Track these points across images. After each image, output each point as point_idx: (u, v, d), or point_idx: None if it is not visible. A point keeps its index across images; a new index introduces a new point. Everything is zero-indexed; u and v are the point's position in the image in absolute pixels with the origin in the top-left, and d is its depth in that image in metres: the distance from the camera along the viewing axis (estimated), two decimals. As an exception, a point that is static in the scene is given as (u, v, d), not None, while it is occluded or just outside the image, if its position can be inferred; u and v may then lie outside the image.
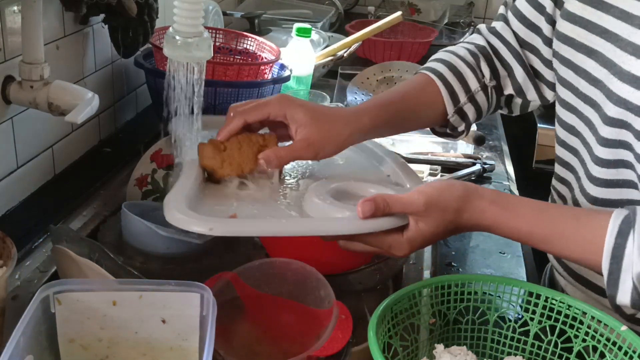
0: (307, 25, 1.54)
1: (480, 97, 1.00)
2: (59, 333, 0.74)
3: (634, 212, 0.73)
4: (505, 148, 1.52)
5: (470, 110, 1.00)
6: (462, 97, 0.99)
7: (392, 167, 0.95)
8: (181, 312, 0.75)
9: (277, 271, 0.89)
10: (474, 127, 1.43)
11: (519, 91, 1.01)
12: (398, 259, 0.98)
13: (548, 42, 0.95)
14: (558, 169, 0.97)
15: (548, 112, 2.15)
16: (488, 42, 1.02)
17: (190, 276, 0.80)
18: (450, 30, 2.32)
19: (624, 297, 0.72)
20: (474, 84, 0.99)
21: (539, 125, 2.05)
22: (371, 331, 0.70)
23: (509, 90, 1.01)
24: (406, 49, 1.95)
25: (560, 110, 0.94)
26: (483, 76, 0.99)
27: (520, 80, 0.99)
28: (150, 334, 0.77)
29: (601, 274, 0.74)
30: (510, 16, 1.00)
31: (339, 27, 2.18)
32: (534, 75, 1.00)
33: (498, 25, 1.01)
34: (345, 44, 1.74)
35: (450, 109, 0.98)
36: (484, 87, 0.99)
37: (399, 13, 1.79)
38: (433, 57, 1.04)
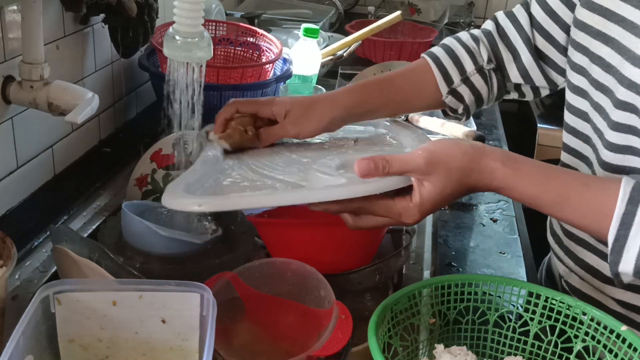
0: (314, 26, 1.54)
1: (477, 80, 1.03)
2: (59, 333, 0.74)
3: None
4: (505, 148, 1.52)
5: (465, 92, 1.03)
6: (456, 79, 1.03)
7: (385, 125, 1.04)
8: (181, 312, 0.75)
9: (277, 271, 0.89)
10: (474, 127, 1.43)
11: (525, 76, 1.02)
12: (409, 226, 0.97)
13: (566, 30, 0.96)
14: (565, 156, 0.97)
15: (548, 112, 2.15)
16: (497, 27, 1.05)
17: (190, 276, 0.79)
18: (450, 30, 2.32)
19: (626, 265, 0.72)
20: (469, 66, 1.03)
21: (539, 125, 2.05)
22: (371, 331, 0.70)
23: (514, 74, 1.03)
24: (406, 49, 1.95)
25: (570, 96, 0.94)
26: (481, 59, 1.03)
27: (526, 65, 1.01)
28: (150, 334, 0.77)
29: (604, 241, 0.74)
30: (533, 1, 1.02)
31: (339, 27, 2.18)
32: (541, 60, 1.01)
33: (516, 7, 1.04)
34: (345, 44, 1.74)
35: (443, 89, 1.03)
36: (479, 70, 1.03)
37: (398, 13, 1.79)
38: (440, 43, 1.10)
